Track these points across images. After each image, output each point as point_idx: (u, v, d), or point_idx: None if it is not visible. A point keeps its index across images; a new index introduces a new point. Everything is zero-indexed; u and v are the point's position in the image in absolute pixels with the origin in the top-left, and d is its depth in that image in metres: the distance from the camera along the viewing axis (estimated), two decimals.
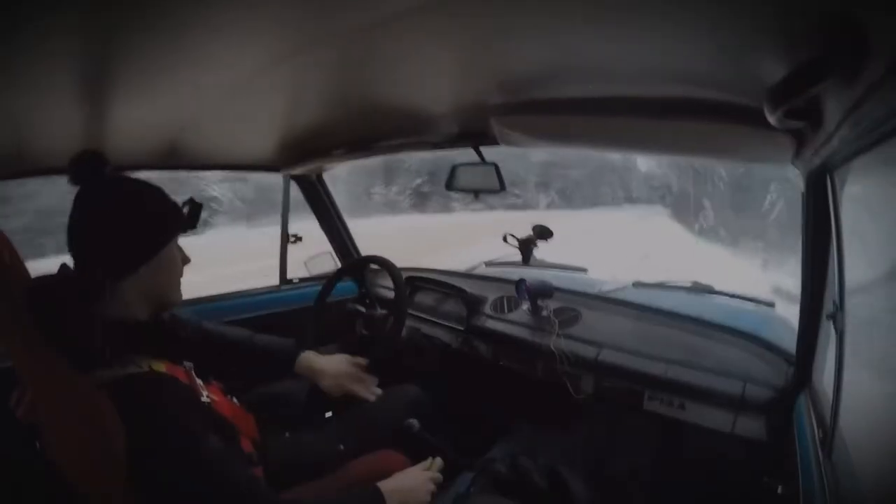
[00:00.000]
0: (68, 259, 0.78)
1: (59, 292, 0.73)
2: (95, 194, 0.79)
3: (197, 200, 0.90)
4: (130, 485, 0.69)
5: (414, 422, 1.22)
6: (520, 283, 1.58)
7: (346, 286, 2.01)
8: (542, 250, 2.21)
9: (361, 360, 1.19)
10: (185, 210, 0.88)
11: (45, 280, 0.74)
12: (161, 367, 0.79)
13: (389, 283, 1.61)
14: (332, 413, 1.33)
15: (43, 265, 0.81)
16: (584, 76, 0.86)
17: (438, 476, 1.00)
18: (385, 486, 0.91)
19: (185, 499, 0.71)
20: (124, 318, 0.79)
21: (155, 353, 0.79)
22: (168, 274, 0.86)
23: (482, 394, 1.82)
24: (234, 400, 0.97)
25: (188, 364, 0.87)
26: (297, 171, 1.81)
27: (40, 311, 0.70)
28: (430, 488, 0.97)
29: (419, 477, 0.97)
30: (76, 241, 0.77)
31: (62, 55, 0.66)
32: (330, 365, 1.14)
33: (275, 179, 1.90)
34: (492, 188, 1.38)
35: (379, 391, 1.17)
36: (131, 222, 0.79)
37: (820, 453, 0.78)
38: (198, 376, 0.88)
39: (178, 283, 0.89)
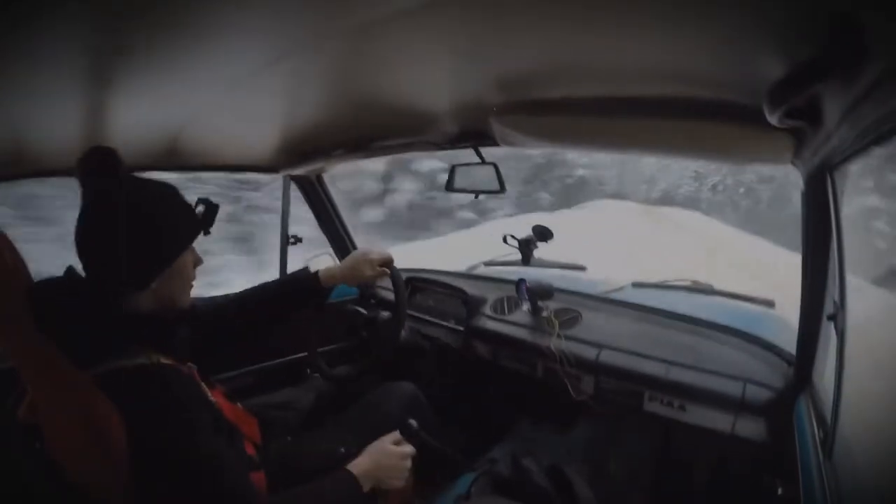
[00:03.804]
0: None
1: (65, 294, 0.73)
2: (106, 199, 0.76)
3: (212, 201, 0.87)
4: (131, 484, 0.69)
5: (412, 422, 1.22)
6: (520, 284, 1.58)
7: (347, 288, 2.01)
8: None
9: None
10: (199, 211, 0.85)
11: (51, 282, 0.74)
12: (166, 361, 0.79)
13: (389, 283, 1.61)
14: (333, 414, 1.32)
15: None
16: (584, 76, 0.86)
17: (411, 449, 0.99)
18: (359, 467, 0.89)
19: (180, 493, 0.71)
20: (129, 315, 0.79)
21: (160, 349, 0.79)
22: (179, 282, 0.84)
23: (482, 394, 1.82)
24: (238, 405, 0.97)
25: (191, 365, 0.87)
26: (297, 171, 1.81)
27: (45, 311, 0.70)
28: (406, 464, 0.96)
29: (393, 454, 0.95)
30: (86, 249, 0.75)
31: (62, 55, 0.66)
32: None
33: None
34: (491, 189, 1.38)
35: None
36: (144, 235, 0.76)
37: (820, 454, 0.78)
38: (202, 379, 0.88)
39: (189, 289, 0.87)
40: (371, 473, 0.90)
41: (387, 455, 0.95)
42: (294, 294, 1.18)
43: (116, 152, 0.79)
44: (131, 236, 0.75)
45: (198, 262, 0.88)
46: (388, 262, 1.27)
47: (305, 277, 1.18)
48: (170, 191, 0.82)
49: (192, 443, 0.71)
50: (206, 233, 0.87)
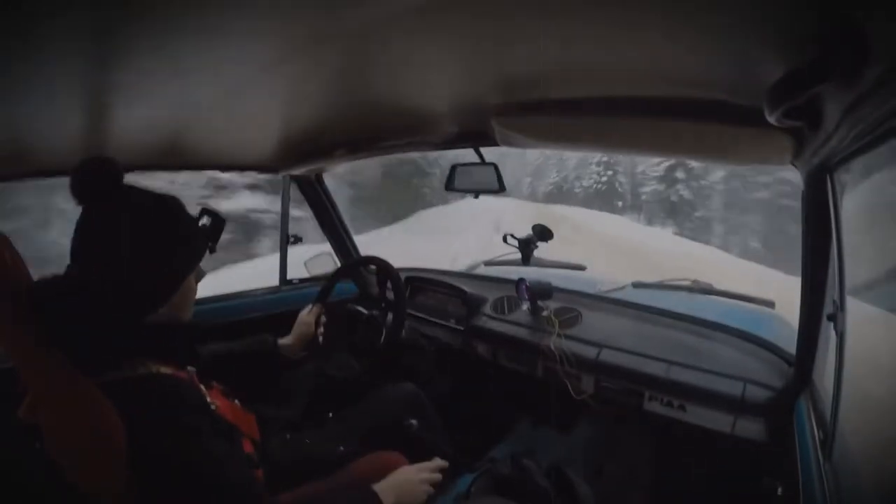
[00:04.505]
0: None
1: (66, 295, 0.72)
2: (109, 216, 0.73)
3: (218, 214, 0.84)
4: (131, 485, 0.69)
5: (413, 422, 1.22)
6: (520, 284, 1.58)
7: (346, 287, 2.01)
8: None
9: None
10: (204, 223, 0.83)
11: (51, 282, 0.73)
12: (166, 370, 0.78)
13: (389, 283, 1.61)
14: (333, 413, 1.33)
15: None
16: (584, 77, 0.86)
17: (436, 475, 0.99)
18: (380, 486, 0.91)
19: (184, 499, 0.71)
20: (130, 327, 0.77)
21: (160, 357, 0.79)
22: (184, 301, 0.82)
23: (482, 394, 1.82)
24: (236, 402, 0.97)
25: (191, 368, 0.87)
26: (297, 171, 1.82)
27: (45, 311, 0.69)
28: (426, 487, 0.96)
29: (415, 475, 0.97)
30: (86, 263, 0.73)
31: (62, 56, 0.66)
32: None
33: None
34: (491, 189, 1.38)
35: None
36: (152, 262, 0.73)
37: (820, 454, 0.78)
38: (200, 380, 0.88)
39: (192, 304, 0.86)
40: (393, 491, 0.91)
41: (410, 475, 0.97)
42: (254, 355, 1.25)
43: (115, 162, 0.76)
44: (136, 262, 0.72)
45: (200, 275, 0.86)
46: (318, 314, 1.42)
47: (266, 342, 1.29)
48: (175, 207, 0.78)
49: (194, 450, 0.71)
50: (212, 250, 0.84)
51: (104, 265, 0.72)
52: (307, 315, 1.39)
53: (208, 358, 1.10)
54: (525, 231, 1.68)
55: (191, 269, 0.81)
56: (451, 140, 1.35)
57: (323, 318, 1.43)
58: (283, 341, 1.30)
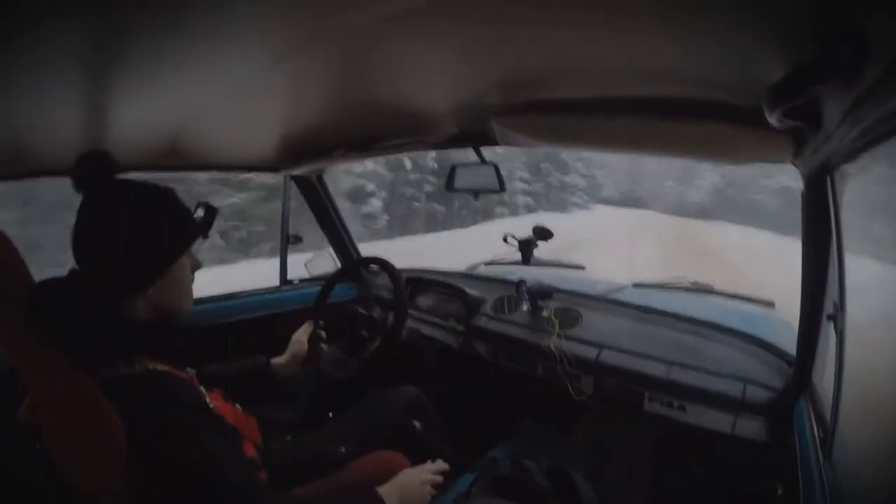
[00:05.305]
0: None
1: (66, 294, 0.73)
2: (104, 204, 0.77)
3: (211, 205, 0.87)
4: (131, 485, 0.69)
5: (416, 423, 1.22)
6: (520, 284, 1.58)
7: (346, 287, 2.01)
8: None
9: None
10: (198, 214, 0.85)
11: (52, 282, 0.74)
12: (162, 367, 0.79)
13: (389, 283, 1.61)
14: (333, 414, 1.33)
15: None
16: (584, 76, 0.86)
17: (437, 477, 1.00)
18: (384, 489, 0.91)
19: (184, 498, 0.71)
20: (131, 321, 0.78)
21: (159, 356, 0.79)
22: (178, 287, 0.83)
23: (482, 395, 1.82)
24: (237, 406, 0.97)
25: (191, 371, 0.87)
26: (297, 171, 1.81)
27: (45, 311, 0.70)
28: (428, 489, 0.96)
29: (417, 478, 0.97)
30: (81, 251, 0.75)
31: (62, 55, 0.66)
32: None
33: None
34: (492, 188, 1.38)
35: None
36: (139, 239, 0.76)
37: (820, 454, 0.78)
38: (200, 383, 0.88)
39: (189, 294, 0.87)
40: (395, 492, 0.91)
41: (412, 477, 0.97)
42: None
43: (111, 155, 0.79)
44: (126, 240, 0.75)
45: (196, 266, 0.87)
46: (311, 332, 1.35)
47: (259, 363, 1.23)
48: (166, 194, 0.81)
49: (194, 448, 0.71)
50: (205, 237, 0.86)
51: (100, 253, 0.75)
52: (300, 334, 1.35)
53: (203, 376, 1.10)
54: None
55: (182, 248, 0.82)
56: (451, 140, 1.35)
57: (322, 334, 1.39)
58: (277, 361, 1.25)
